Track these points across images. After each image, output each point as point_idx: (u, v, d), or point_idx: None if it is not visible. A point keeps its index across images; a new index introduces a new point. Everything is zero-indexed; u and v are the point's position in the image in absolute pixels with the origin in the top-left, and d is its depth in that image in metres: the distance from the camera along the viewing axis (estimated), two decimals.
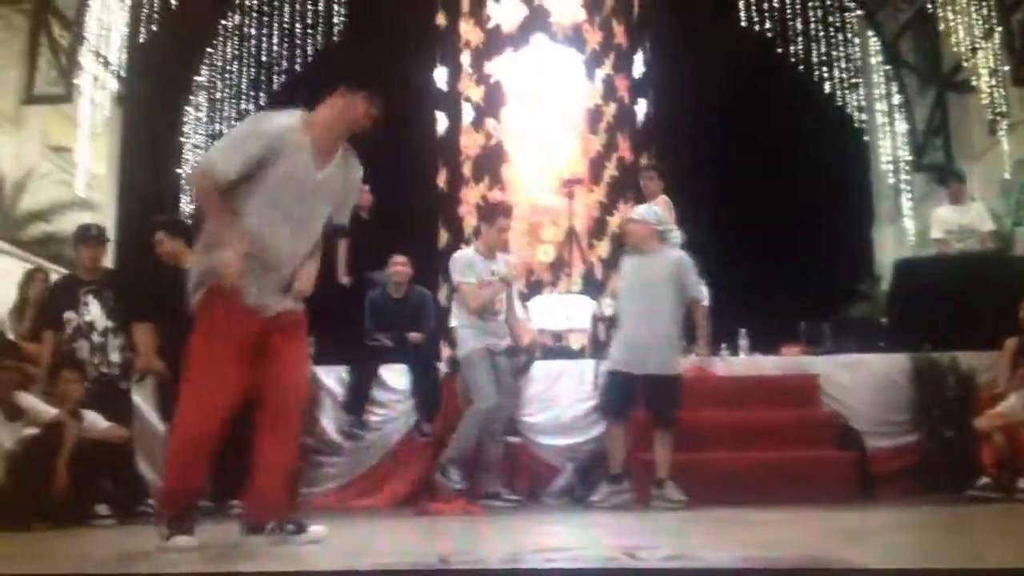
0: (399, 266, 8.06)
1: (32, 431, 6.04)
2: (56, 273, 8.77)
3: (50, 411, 6.14)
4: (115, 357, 6.90)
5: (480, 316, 6.99)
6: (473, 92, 14.66)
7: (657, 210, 7.12)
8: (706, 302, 7.16)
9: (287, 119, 4.08)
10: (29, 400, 6.21)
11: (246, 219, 4.05)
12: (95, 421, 6.37)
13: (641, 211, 7.10)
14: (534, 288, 12.30)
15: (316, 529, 4.17)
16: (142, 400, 7.30)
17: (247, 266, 3.99)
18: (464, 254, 7.23)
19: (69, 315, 6.85)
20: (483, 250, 7.16)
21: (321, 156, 4.09)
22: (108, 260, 7.66)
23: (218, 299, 4.06)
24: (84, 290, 6.92)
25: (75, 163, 13.56)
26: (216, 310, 4.09)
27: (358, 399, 7.71)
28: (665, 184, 8.42)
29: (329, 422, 7.73)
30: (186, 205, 15.19)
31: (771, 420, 7.21)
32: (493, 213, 7.42)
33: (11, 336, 7.35)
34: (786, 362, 8.35)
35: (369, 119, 4.13)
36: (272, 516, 4.18)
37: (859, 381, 7.90)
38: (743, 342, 8.79)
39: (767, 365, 8.30)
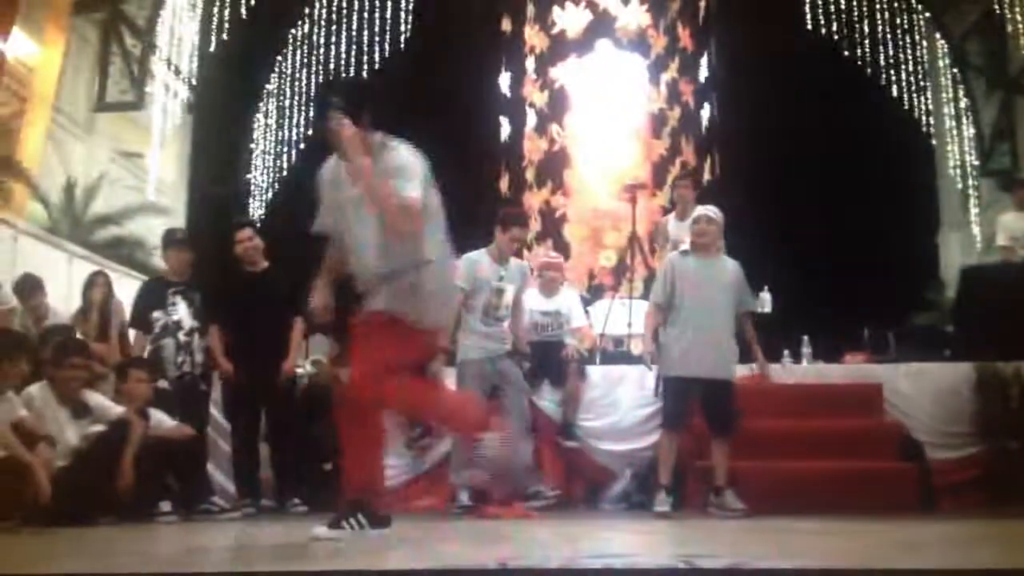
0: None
1: (99, 428, 6.19)
2: (127, 276, 9.00)
3: (117, 409, 6.30)
4: (199, 357, 7.13)
5: (484, 321, 6.94)
6: (537, 97, 14.71)
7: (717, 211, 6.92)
8: (768, 308, 7.08)
9: (328, 160, 4.59)
10: (96, 398, 6.37)
11: None
12: (161, 420, 6.53)
13: (718, 211, 6.90)
14: (596, 293, 12.31)
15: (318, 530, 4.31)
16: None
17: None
18: (470, 257, 6.99)
19: (157, 314, 7.15)
20: (495, 253, 7.05)
21: (350, 174, 4.39)
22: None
23: None
24: (172, 291, 7.22)
25: (145, 169, 13.84)
26: None
27: None
28: (699, 193, 8.47)
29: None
30: (255, 210, 15.43)
31: (833, 429, 7.14)
32: (508, 221, 7.14)
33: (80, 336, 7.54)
34: (849, 370, 8.28)
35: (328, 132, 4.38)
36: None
37: (922, 390, 7.79)
38: (806, 350, 8.70)
39: (830, 373, 8.23)
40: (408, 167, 4.36)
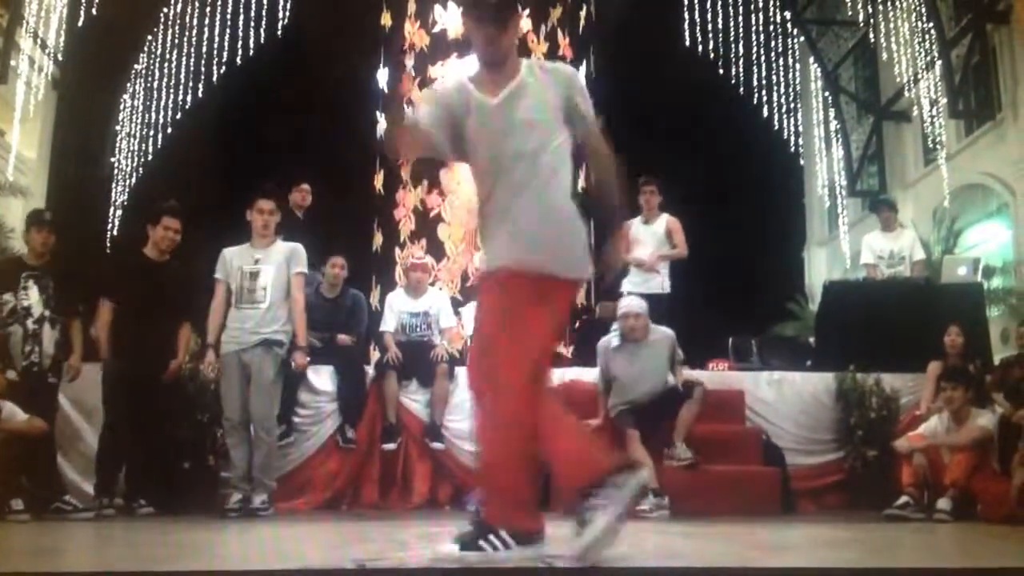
0: (336, 268, 7.97)
1: None
2: None
3: None
4: (49, 348, 6.74)
5: (236, 305, 6.71)
6: (415, 95, 14.53)
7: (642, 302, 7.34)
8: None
9: (455, 83, 3.96)
10: None
11: None
12: (13, 412, 6.18)
13: (636, 304, 7.30)
14: (469, 294, 12.23)
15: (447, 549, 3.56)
16: (63, 395, 7.10)
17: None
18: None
19: (7, 297, 6.74)
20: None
21: (488, 87, 3.80)
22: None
23: None
24: (26, 274, 6.80)
25: (6, 146, 13.29)
26: None
27: (284, 401, 7.50)
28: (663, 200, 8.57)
29: None
30: (117, 195, 14.96)
31: (697, 434, 7.19)
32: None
33: None
34: (712, 377, 8.36)
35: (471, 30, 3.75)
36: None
37: (784, 399, 8.00)
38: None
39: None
40: (582, 85, 3.81)
